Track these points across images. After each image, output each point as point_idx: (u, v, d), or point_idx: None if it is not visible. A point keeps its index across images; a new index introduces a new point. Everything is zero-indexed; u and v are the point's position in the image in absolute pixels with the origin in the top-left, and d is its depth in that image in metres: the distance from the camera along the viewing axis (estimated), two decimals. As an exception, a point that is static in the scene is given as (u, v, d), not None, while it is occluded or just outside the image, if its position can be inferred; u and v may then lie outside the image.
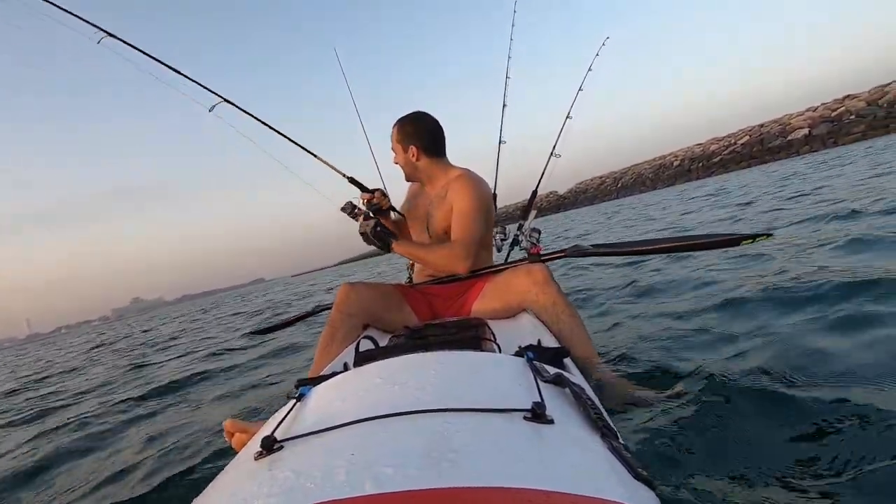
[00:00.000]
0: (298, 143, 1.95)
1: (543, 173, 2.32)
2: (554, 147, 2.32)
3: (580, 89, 2.45)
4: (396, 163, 1.79)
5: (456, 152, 1.80)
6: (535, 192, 2.28)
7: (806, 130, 21.51)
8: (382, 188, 1.85)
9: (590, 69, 2.51)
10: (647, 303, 2.89)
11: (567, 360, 1.06)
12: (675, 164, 28.54)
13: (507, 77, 2.56)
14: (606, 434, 0.59)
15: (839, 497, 0.90)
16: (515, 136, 2.57)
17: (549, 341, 1.32)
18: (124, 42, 1.83)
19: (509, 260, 1.95)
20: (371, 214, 1.72)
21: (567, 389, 0.70)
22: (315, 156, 1.94)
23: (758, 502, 0.93)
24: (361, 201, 1.79)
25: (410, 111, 1.76)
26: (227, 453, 1.50)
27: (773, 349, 1.64)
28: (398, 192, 1.99)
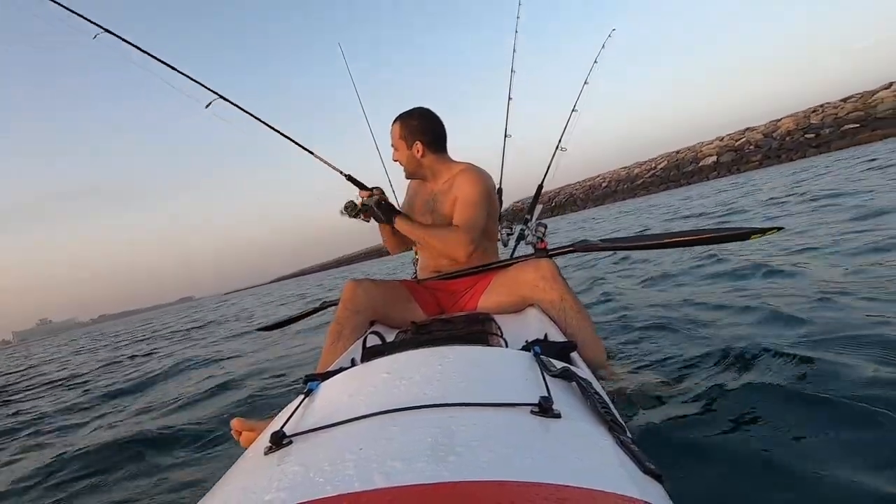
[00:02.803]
0: (296, 140, 1.91)
1: (549, 167, 2.31)
2: (560, 140, 2.32)
3: (585, 82, 2.44)
4: (397, 160, 1.78)
5: (460, 146, 1.80)
6: (540, 186, 2.27)
7: (714, 158, 23.67)
8: (381, 186, 1.81)
9: (595, 62, 2.50)
10: (655, 297, 2.88)
11: (574, 355, 1.06)
12: (604, 185, 30.27)
13: (511, 71, 2.55)
14: (614, 428, 0.59)
15: (849, 488, 0.90)
16: (521, 130, 2.56)
17: (556, 336, 1.32)
18: (122, 39, 1.82)
19: (515, 255, 1.95)
20: (373, 210, 1.73)
21: (574, 383, 0.70)
22: (313, 154, 1.90)
23: (766, 495, 0.93)
24: (361, 199, 1.77)
25: (412, 106, 1.75)
26: (236, 452, 1.51)
27: (784, 344, 1.63)
28: (404, 186, 1.99)
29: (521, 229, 1.99)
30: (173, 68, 1.84)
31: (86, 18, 1.81)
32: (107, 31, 1.82)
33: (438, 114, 1.76)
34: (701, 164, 24.12)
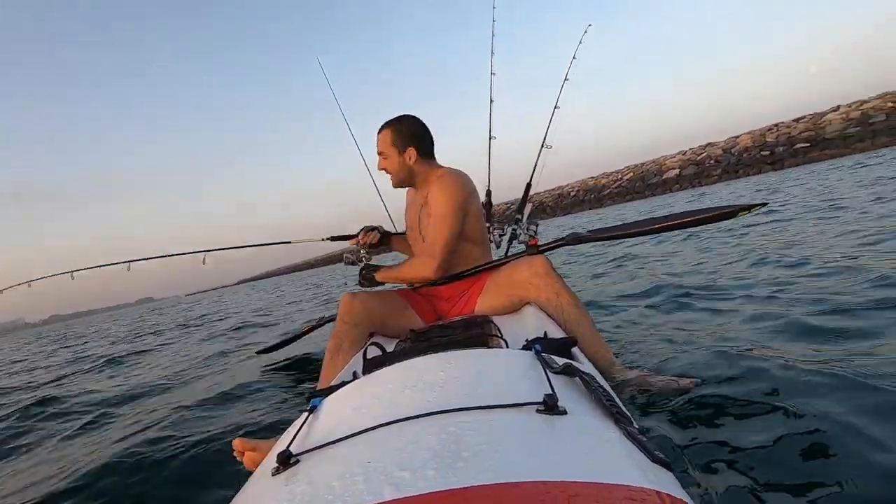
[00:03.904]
0: (274, 242, 2.26)
1: (536, 165, 2.32)
2: (544, 138, 2.33)
3: (566, 79, 2.45)
4: (384, 168, 1.74)
5: (447, 151, 1.80)
6: (528, 185, 2.28)
7: (677, 171, 24.69)
8: (368, 225, 1.92)
9: (574, 58, 2.52)
10: (654, 290, 2.89)
11: (575, 350, 1.06)
12: (572, 194, 31.33)
13: (492, 73, 2.56)
14: (620, 420, 0.59)
15: (847, 484, 0.90)
16: (506, 130, 2.58)
17: (556, 332, 1.32)
18: (145, 259, 2.34)
19: (509, 254, 1.95)
20: (368, 255, 1.84)
21: (577, 379, 0.70)
22: (290, 242, 2.18)
23: (772, 482, 0.93)
24: (356, 247, 1.87)
25: (396, 114, 1.75)
26: (240, 473, 1.48)
27: (787, 336, 1.64)
28: (395, 196, 2.01)
29: (513, 229, 2.00)
30: (168, 255, 2.38)
31: (115, 263, 2.33)
32: (131, 261, 2.30)
33: (433, 115, 1.78)
34: (665, 176, 25.09)
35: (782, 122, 23.47)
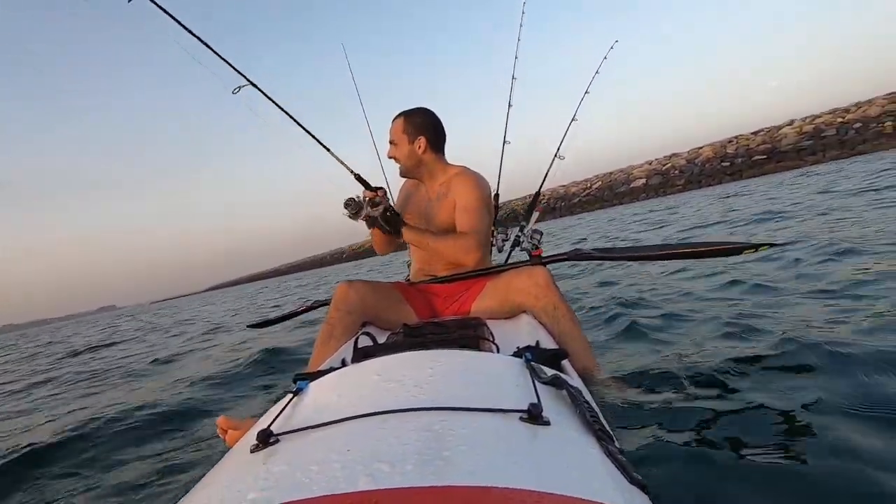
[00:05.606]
0: (316, 137, 1.84)
1: (547, 175, 2.33)
2: (558, 149, 2.33)
3: (586, 92, 2.46)
4: (393, 156, 1.75)
5: (458, 151, 1.79)
6: (538, 194, 2.29)
7: (644, 180, 25.21)
8: (386, 188, 1.77)
9: (597, 72, 2.51)
10: (649, 307, 2.88)
11: (565, 363, 1.06)
12: (542, 201, 31.79)
13: (513, 77, 2.55)
14: (602, 437, 0.59)
15: (836, 494, 0.90)
16: (517, 133, 2.57)
17: (548, 343, 1.32)
18: (158, 6, 1.70)
19: (510, 261, 1.95)
20: (378, 222, 1.68)
21: (564, 391, 0.70)
22: (329, 150, 1.83)
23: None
24: (364, 198, 1.74)
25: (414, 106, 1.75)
26: (221, 450, 1.49)
27: (776, 354, 1.63)
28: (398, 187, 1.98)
29: (517, 235, 2.00)
30: (207, 45, 1.72)
31: None
32: None
33: (439, 116, 1.77)
34: (632, 185, 25.53)
35: (742, 135, 24.25)
